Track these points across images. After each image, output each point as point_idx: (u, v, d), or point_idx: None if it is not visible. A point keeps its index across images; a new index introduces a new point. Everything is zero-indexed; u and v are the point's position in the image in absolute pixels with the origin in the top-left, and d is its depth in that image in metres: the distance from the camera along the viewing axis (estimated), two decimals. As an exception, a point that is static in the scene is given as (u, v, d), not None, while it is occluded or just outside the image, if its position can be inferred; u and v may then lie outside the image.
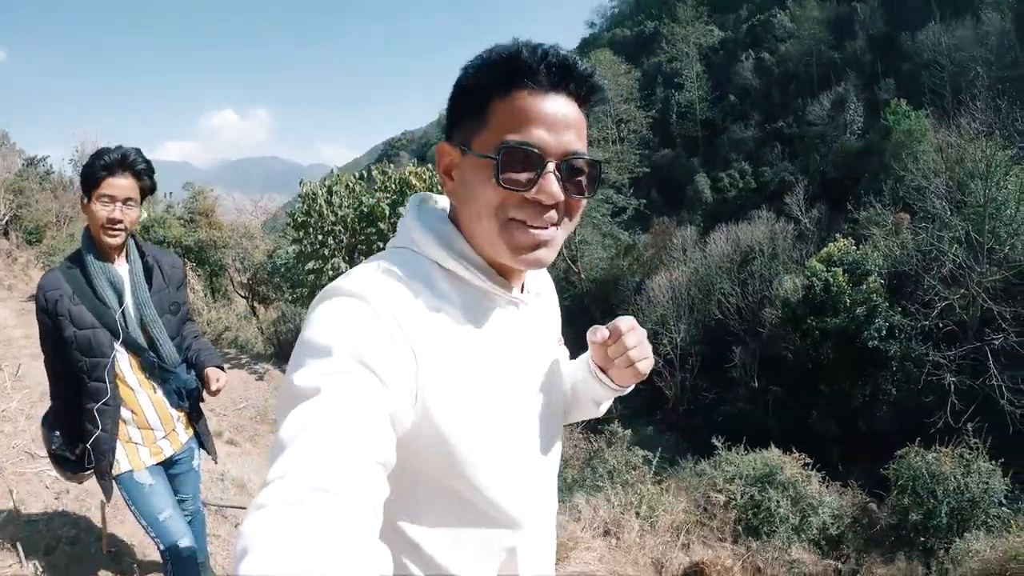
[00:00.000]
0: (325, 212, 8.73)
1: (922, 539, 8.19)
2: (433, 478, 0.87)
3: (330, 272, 8.52)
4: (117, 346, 2.22)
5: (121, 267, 2.25)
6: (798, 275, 21.92)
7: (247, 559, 0.53)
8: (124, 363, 2.26)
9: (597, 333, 1.04)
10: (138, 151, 2.21)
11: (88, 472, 2.37)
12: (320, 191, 8.98)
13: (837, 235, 22.85)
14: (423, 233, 0.91)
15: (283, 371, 9.42)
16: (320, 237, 8.73)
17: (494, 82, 0.84)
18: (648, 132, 48.71)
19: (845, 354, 19.55)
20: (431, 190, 9.03)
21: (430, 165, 10.12)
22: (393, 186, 8.73)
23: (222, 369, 2.42)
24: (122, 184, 2.14)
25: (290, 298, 11.06)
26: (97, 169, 2.12)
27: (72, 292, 2.16)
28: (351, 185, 9.02)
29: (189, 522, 2.51)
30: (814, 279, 20.36)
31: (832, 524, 7.90)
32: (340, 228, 8.68)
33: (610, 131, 41.10)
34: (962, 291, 19.15)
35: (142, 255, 2.32)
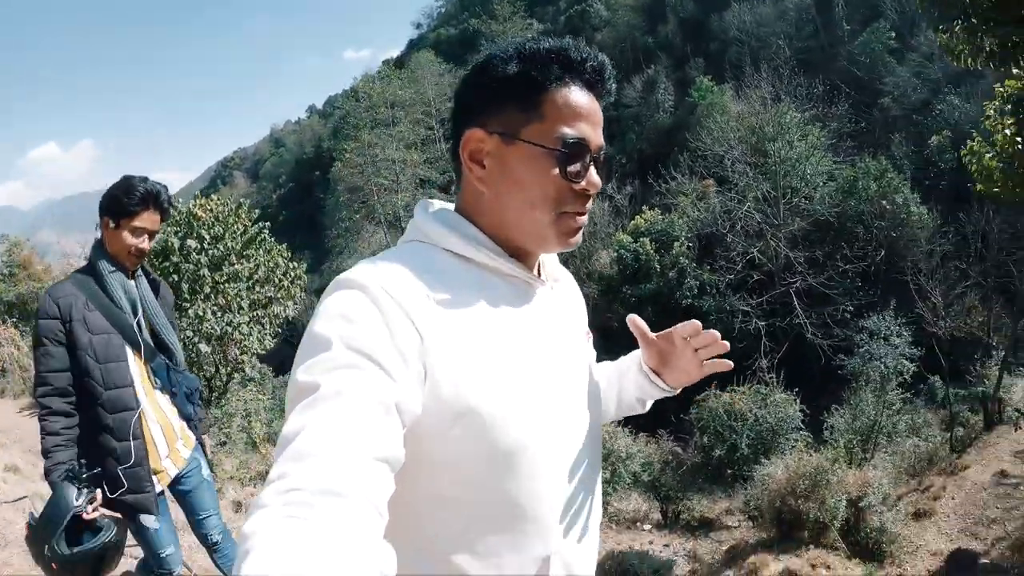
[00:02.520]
0: (119, 249, 9.06)
1: (729, 471, 9.08)
2: (452, 466, 0.83)
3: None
4: (130, 354, 2.28)
5: (130, 281, 2.38)
6: (612, 249, 23.36)
7: (249, 560, 0.53)
8: (135, 374, 2.29)
9: (687, 327, 1.12)
10: (164, 188, 2.36)
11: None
12: None
13: (643, 208, 24.56)
14: (434, 224, 0.93)
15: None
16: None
17: (548, 75, 0.88)
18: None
19: (663, 316, 20.89)
20: (216, 220, 9.29)
21: (214, 196, 10.35)
22: (181, 219, 9.21)
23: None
24: (152, 219, 2.31)
25: None
26: (133, 202, 2.24)
27: (86, 299, 2.22)
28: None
29: (216, 542, 2.55)
30: (623, 251, 21.94)
31: (643, 471, 8.65)
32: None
33: (433, 131, 41.58)
34: (761, 243, 21.08)
35: (146, 272, 2.46)
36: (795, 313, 19.69)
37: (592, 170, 0.90)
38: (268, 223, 10.39)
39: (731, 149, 23.48)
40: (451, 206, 0.99)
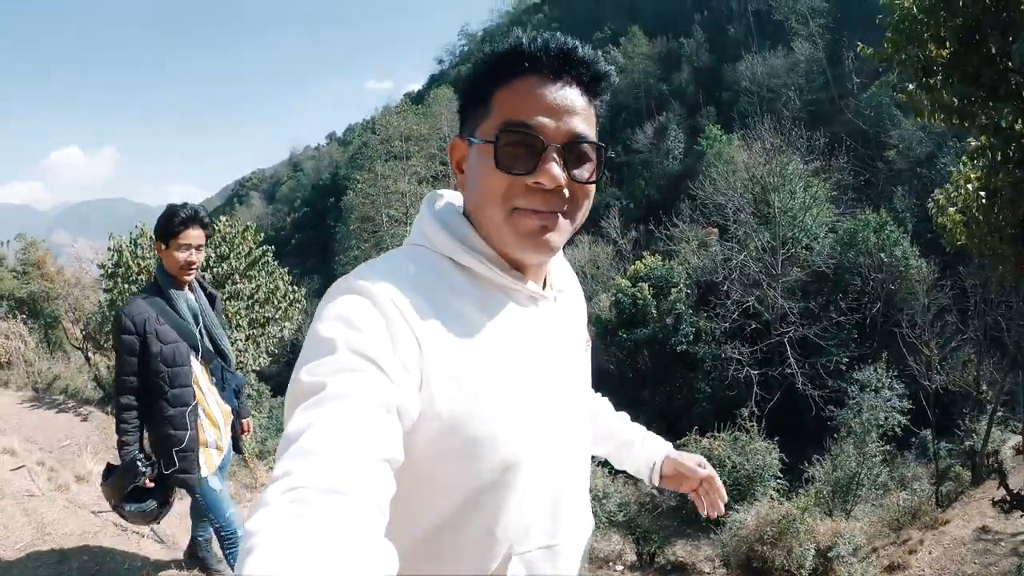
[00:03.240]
0: (131, 263, 9.46)
1: (703, 516, 9.41)
2: (439, 476, 0.84)
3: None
4: (194, 358, 2.74)
5: (189, 295, 2.83)
6: (611, 293, 23.58)
7: (252, 558, 0.53)
8: (198, 372, 2.76)
9: (701, 470, 1.29)
10: (202, 208, 2.83)
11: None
12: (125, 245, 9.71)
13: (644, 253, 24.70)
14: (435, 229, 0.92)
15: (106, 413, 9.94)
16: (126, 285, 9.43)
17: (497, 71, 0.86)
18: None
19: (659, 360, 21.29)
20: (223, 240, 9.66)
21: (223, 218, 10.66)
22: None
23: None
24: (195, 234, 2.71)
25: (105, 345, 11.58)
26: (176, 224, 2.68)
27: (156, 315, 2.66)
28: (152, 237, 9.77)
29: (234, 531, 2.97)
30: (620, 295, 22.10)
31: (619, 511, 8.67)
32: (144, 276, 9.41)
33: (447, 167, 42.17)
34: (757, 293, 21.13)
35: (203, 287, 2.93)
36: (788, 363, 19.71)
37: (551, 164, 0.83)
38: (272, 246, 10.73)
39: (733, 198, 23.59)
40: (460, 200, 0.98)
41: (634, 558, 8.41)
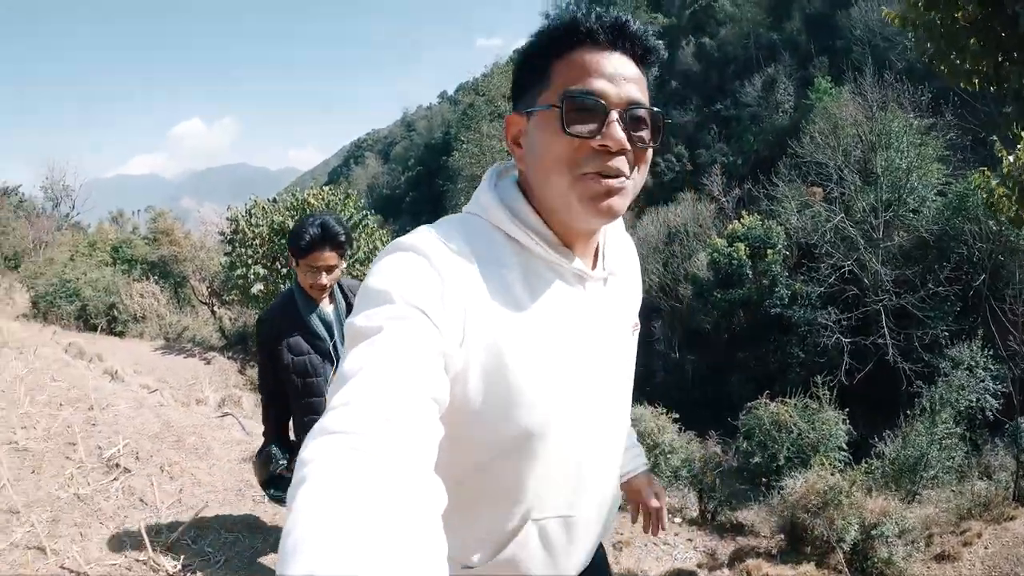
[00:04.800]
0: (246, 230, 10.68)
1: (763, 479, 8.84)
2: (464, 434, 0.88)
3: (251, 276, 10.48)
4: (328, 369, 2.63)
5: (327, 306, 2.69)
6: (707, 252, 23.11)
7: (304, 487, 0.54)
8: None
9: (654, 501, 1.36)
10: (337, 220, 2.57)
11: None
12: (240, 215, 11.02)
13: (743, 212, 24.06)
14: (490, 199, 0.95)
15: (227, 357, 11.33)
16: (243, 249, 10.68)
17: (553, 44, 0.89)
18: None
19: (754, 322, 21.02)
20: (327, 207, 10.58)
21: (325, 188, 11.80)
22: (296, 205, 10.75)
23: None
24: (324, 256, 2.51)
25: (228, 300, 13.13)
26: (304, 245, 2.49)
27: (288, 327, 2.60)
28: (266, 207, 11.05)
29: None
30: (716, 254, 21.78)
31: (683, 466, 8.68)
32: (258, 242, 10.62)
33: None
34: (856, 256, 20.22)
35: (345, 296, 2.74)
36: (881, 333, 18.86)
37: (613, 126, 0.86)
38: (372, 211, 11.68)
39: (835, 156, 22.42)
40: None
41: (695, 514, 8.72)
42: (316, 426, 0.63)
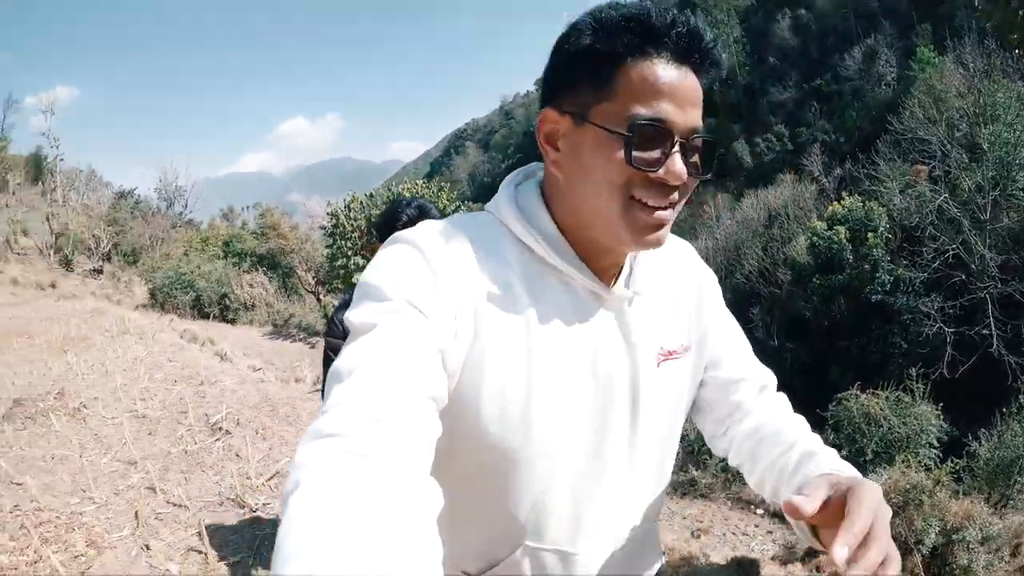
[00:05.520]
0: (345, 223, 11.52)
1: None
2: (448, 439, 0.76)
3: (351, 267, 11.28)
4: None
5: None
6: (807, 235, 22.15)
7: (298, 493, 0.53)
8: None
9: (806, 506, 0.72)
10: (429, 208, 2.47)
11: None
12: (340, 209, 11.92)
13: (843, 193, 22.81)
14: (505, 199, 0.90)
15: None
16: (342, 242, 11.52)
17: (621, 46, 0.77)
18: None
19: (854, 310, 20.04)
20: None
21: (419, 182, 12.44)
22: (392, 198, 11.50)
23: None
24: None
25: (333, 288, 14.15)
26: (401, 227, 2.29)
27: None
28: (363, 202, 11.92)
29: None
30: (815, 238, 20.81)
31: None
32: (356, 234, 11.44)
33: None
34: (961, 239, 18.89)
35: None
36: (986, 323, 17.41)
37: (676, 158, 0.78)
38: (467, 201, 12.34)
39: (939, 130, 20.79)
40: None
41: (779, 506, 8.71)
42: (310, 429, 0.62)
